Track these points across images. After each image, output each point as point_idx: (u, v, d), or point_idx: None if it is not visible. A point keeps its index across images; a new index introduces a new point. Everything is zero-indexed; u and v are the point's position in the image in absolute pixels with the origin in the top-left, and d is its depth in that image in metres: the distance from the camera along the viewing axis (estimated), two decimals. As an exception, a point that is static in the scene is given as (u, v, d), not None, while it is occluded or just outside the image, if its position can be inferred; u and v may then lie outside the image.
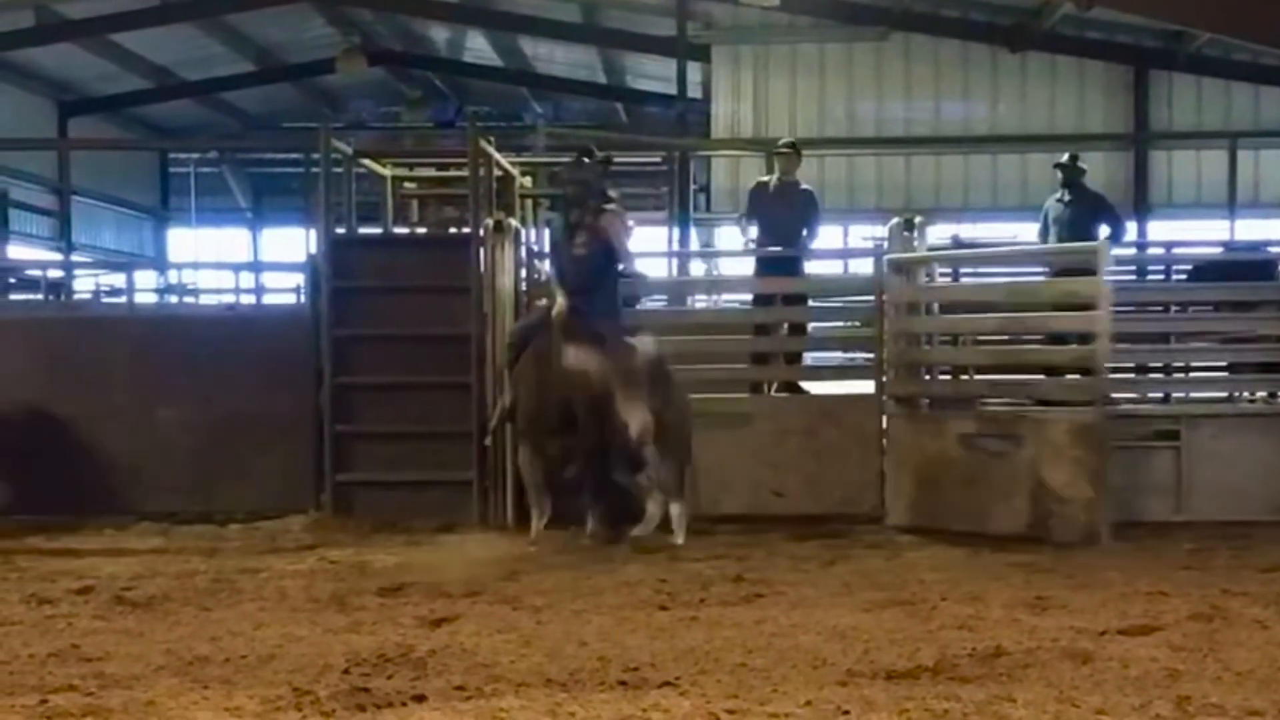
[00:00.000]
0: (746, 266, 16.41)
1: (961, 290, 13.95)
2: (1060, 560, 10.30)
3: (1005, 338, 13.80)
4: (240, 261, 31.83)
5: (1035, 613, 8.15)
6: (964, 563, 10.52)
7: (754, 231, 15.74)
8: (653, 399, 11.45)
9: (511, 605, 8.55)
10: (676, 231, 22.09)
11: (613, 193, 15.04)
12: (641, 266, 13.18)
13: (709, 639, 7.35)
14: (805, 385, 14.53)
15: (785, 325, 14.25)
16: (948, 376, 13.51)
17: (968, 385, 13.38)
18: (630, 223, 12.57)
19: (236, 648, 7.20)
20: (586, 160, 12.28)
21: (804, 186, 16.00)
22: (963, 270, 14.47)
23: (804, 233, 15.57)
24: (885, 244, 13.45)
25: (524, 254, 13.67)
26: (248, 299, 20.59)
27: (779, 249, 15.27)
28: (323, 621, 8.02)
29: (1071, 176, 16.20)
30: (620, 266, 11.95)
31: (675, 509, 11.62)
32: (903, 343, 13.09)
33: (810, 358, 15.02)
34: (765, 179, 16.39)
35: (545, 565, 10.29)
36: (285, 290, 21.30)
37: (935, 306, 13.20)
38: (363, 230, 17.49)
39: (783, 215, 15.52)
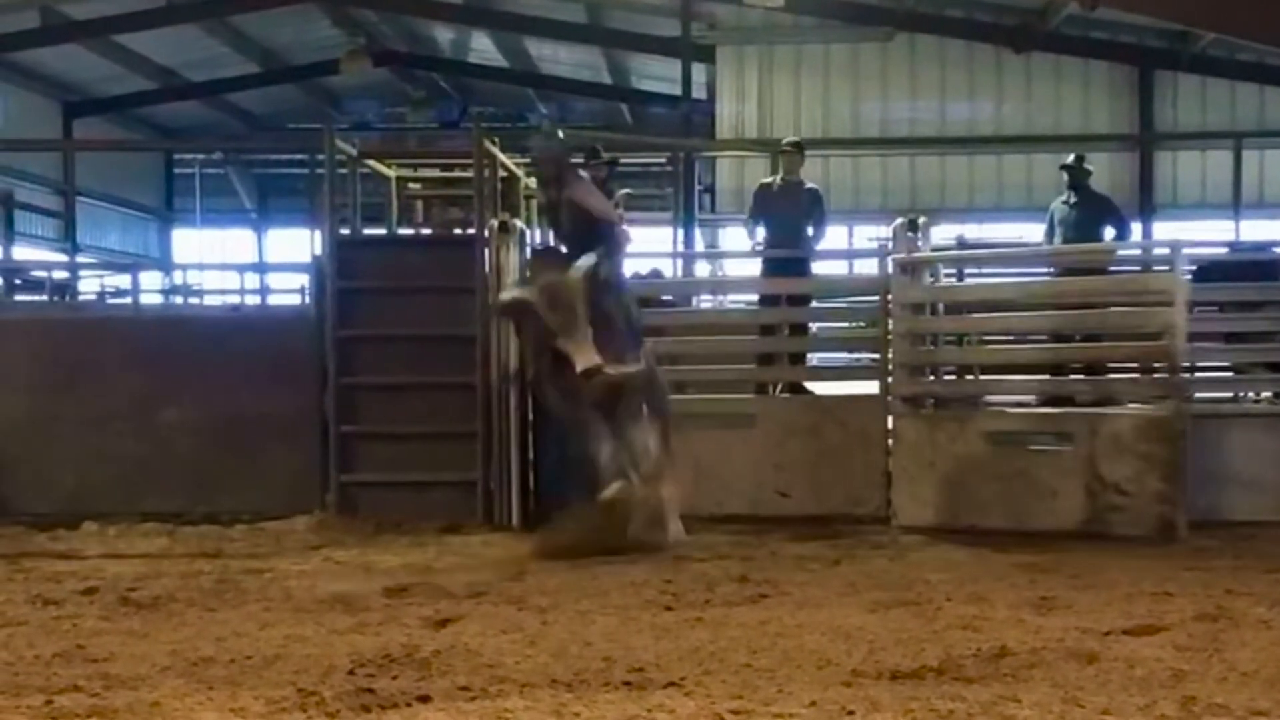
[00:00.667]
0: (752, 267, 16.41)
1: (1010, 289, 14.09)
2: (1064, 561, 10.29)
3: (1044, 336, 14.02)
4: (245, 262, 31.90)
5: (1040, 613, 8.14)
6: (969, 563, 10.51)
7: (761, 233, 15.75)
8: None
9: (516, 606, 8.54)
10: (681, 232, 22.11)
11: (622, 192, 15.10)
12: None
13: (714, 639, 7.34)
14: (810, 386, 14.54)
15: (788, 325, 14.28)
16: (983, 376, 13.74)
17: (1021, 385, 13.70)
18: (618, 200, 12.47)
19: (241, 648, 7.20)
20: (554, 133, 12.21)
21: (809, 185, 16.03)
22: (986, 270, 14.62)
23: (810, 231, 15.59)
24: (890, 244, 13.43)
25: (529, 254, 13.67)
26: (252, 300, 20.66)
27: (786, 251, 15.28)
28: (327, 622, 8.01)
29: (1078, 178, 16.21)
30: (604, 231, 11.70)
31: (665, 492, 11.36)
32: (908, 342, 13.05)
33: (815, 358, 15.03)
34: (769, 179, 16.41)
35: (550, 566, 10.27)
36: (290, 291, 21.35)
37: (941, 307, 13.22)
38: (367, 231, 17.51)
39: (788, 214, 15.56)
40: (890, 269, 13.08)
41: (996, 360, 13.92)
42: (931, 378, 13.19)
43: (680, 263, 18.99)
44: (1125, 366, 14.08)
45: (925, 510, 12.55)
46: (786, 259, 15.17)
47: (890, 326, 13.00)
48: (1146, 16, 22.20)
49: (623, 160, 16.37)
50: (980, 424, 12.64)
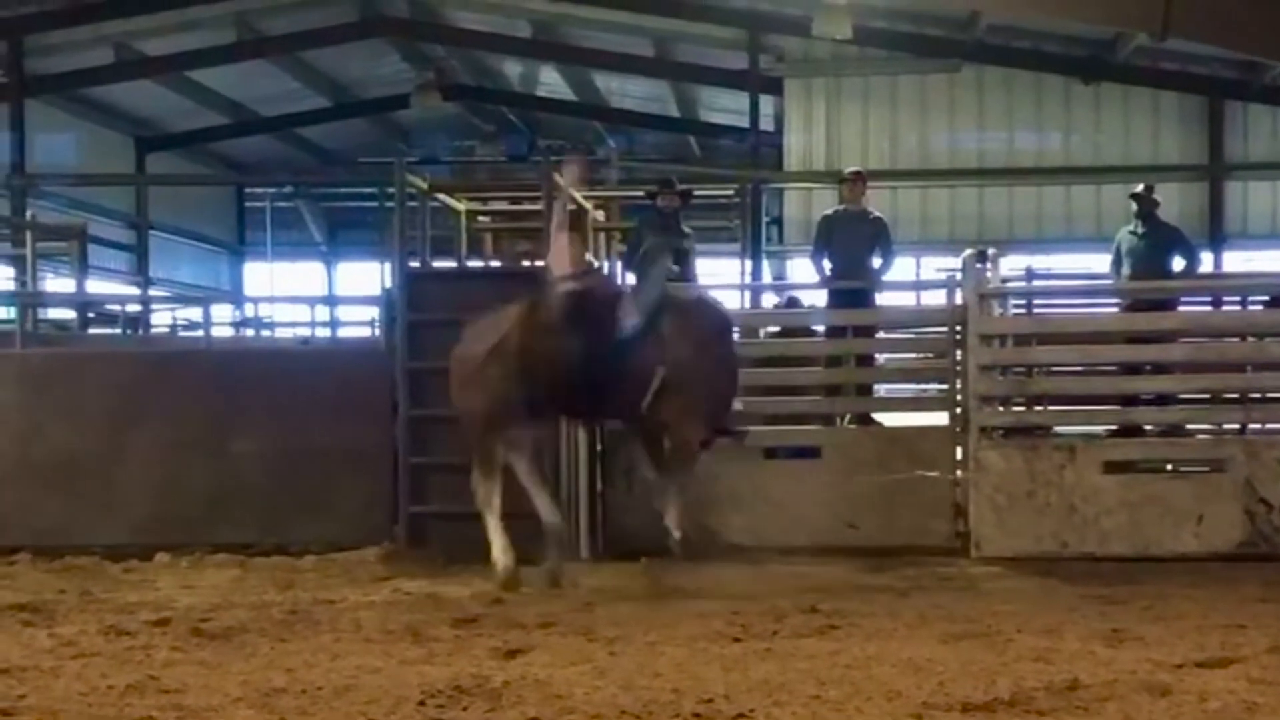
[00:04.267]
0: (820, 299, 16.35)
1: (1140, 319, 14.23)
2: (1135, 593, 10.22)
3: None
4: (315, 295, 32.11)
5: (1111, 645, 8.10)
6: (1039, 594, 10.47)
7: (829, 266, 15.65)
8: None
9: (585, 636, 8.55)
10: (749, 264, 22.10)
11: (686, 227, 15.10)
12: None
13: (783, 671, 7.33)
14: (878, 417, 14.50)
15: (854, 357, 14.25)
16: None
17: (1179, 414, 14.27)
18: None
19: (312, 679, 7.23)
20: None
21: (874, 214, 15.94)
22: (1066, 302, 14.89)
23: (877, 261, 15.51)
24: (959, 275, 13.38)
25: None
26: (323, 332, 20.76)
27: (850, 282, 15.22)
28: (398, 653, 8.04)
29: (1147, 208, 16.09)
30: None
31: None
32: (984, 372, 13.00)
33: (882, 389, 15.01)
34: (832, 210, 16.34)
35: (618, 596, 10.30)
36: (360, 324, 21.49)
37: (1010, 338, 13.18)
38: (437, 264, 17.56)
39: (851, 243, 15.47)
40: (960, 299, 13.06)
41: (1124, 390, 14.25)
42: (1020, 407, 13.33)
43: (748, 294, 18.98)
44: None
45: (1020, 540, 12.59)
46: (850, 289, 15.10)
47: (966, 358, 12.92)
48: (1217, 47, 22.04)
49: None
50: (1098, 453, 12.79)
